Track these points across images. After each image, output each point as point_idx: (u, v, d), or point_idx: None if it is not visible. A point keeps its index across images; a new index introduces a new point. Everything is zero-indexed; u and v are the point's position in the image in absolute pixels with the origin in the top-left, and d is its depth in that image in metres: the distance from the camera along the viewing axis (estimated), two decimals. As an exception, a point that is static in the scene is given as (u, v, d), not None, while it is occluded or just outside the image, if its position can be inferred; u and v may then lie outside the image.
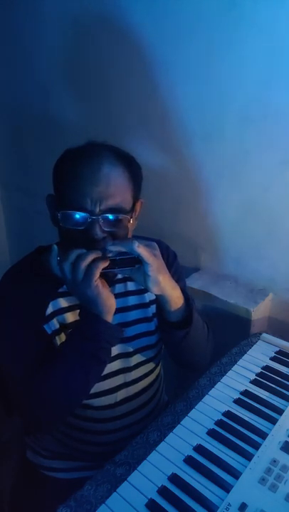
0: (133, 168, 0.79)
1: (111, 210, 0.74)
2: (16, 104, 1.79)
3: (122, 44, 1.29)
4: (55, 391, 0.74)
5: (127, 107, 1.37)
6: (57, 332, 0.80)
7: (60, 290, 0.82)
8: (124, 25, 1.25)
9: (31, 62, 1.62)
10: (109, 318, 0.74)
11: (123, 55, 1.30)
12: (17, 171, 1.99)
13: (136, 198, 0.81)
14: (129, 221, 0.78)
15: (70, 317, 0.82)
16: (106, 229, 0.74)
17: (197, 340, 0.87)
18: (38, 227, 1.99)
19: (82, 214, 0.73)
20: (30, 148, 1.84)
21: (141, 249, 0.71)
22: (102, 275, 0.72)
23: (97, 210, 0.73)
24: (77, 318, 0.81)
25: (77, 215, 0.73)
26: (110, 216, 0.74)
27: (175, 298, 0.80)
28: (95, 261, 0.71)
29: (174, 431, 0.77)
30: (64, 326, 0.81)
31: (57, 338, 0.80)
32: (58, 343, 0.80)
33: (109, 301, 0.73)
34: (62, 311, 0.81)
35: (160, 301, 0.82)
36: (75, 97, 1.53)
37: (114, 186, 0.74)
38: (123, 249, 0.72)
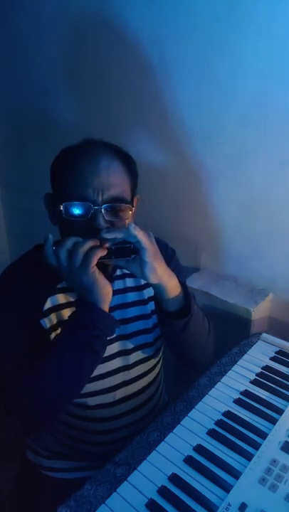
0: (129, 163, 0.81)
1: (113, 200, 0.75)
2: (16, 104, 1.79)
3: (122, 44, 1.29)
4: (48, 382, 0.73)
5: (126, 107, 1.37)
6: (54, 327, 0.80)
7: (59, 286, 0.82)
8: (124, 24, 1.25)
9: (31, 62, 1.62)
10: (106, 307, 0.74)
11: (123, 55, 1.30)
12: (17, 171, 1.99)
13: (133, 193, 0.82)
14: (130, 211, 0.78)
15: (68, 313, 0.81)
16: (109, 218, 0.75)
17: (197, 333, 0.86)
18: (38, 227, 1.98)
19: (86, 204, 0.74)
20: (30, 148, 1.84)
21: (138, 232, 0.71)
22: (100, 266, 0.72)
23: (100, 199, 0.74)
24: None
25: (81, 206, 0.74)
26: (113, 205, 0.75)
27: (172, 286, 0.80)
28: (92, 248, 0.71)
29: (174, 431, 0.77)
30: (61, 322, 0.81)
31: (53, 333, 0.80)
32: None
33: (105, 289, 0.73)
34: (61, 307, 0.81)
35: (157, 291, 0.81)
36: (75, 96, 1.53)
37: (114, 177, 0.75)
38: (119, 236, 0.72)
